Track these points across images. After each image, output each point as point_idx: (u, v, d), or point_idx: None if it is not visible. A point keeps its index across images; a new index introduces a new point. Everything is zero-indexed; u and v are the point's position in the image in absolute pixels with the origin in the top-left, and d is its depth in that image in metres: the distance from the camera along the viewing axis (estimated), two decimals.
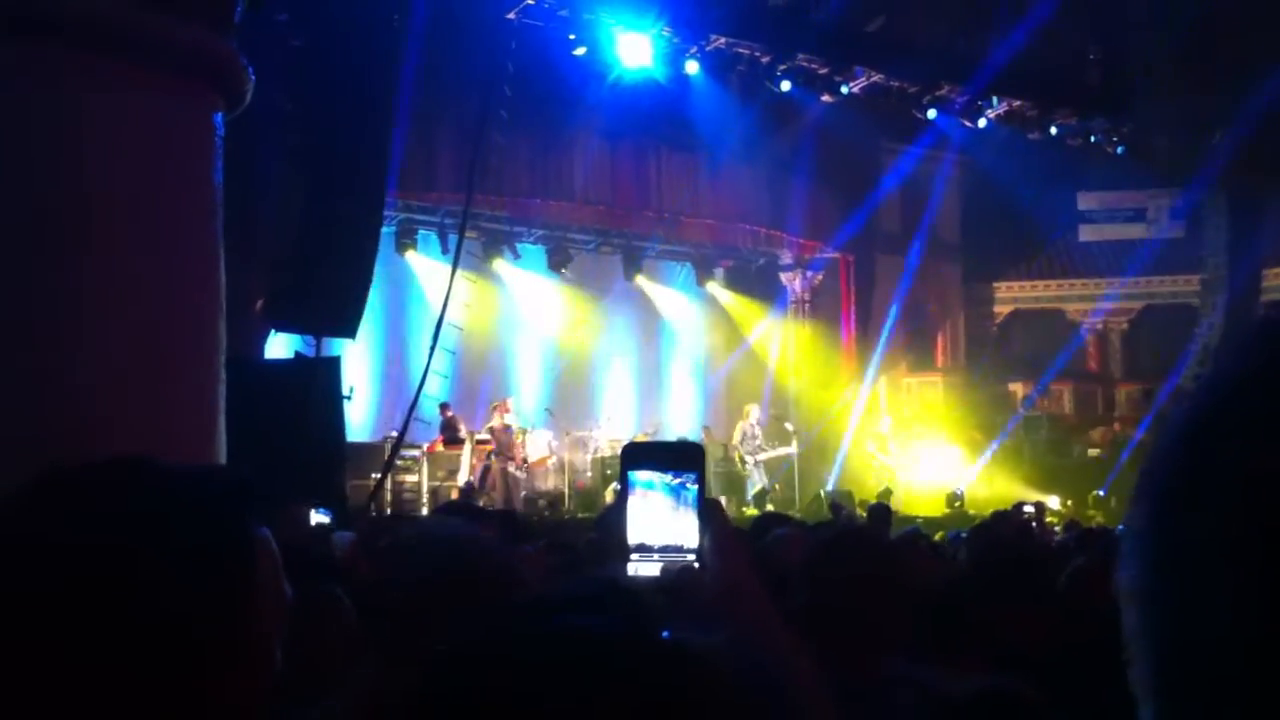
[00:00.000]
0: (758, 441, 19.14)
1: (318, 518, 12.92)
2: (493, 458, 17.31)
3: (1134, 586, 0.68)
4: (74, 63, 4.99)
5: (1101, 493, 19.78)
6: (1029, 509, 11.64)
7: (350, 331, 13.70)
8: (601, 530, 4.57)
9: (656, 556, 1.41)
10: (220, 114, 5.58)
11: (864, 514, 17.09)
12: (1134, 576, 0.69)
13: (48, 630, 1.06)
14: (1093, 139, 21.74)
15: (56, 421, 4.71)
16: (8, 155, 4.89)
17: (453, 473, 17.04)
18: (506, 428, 17.62)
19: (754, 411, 19.51)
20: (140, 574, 1.08)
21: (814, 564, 2.88)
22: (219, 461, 5.30)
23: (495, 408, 17.90)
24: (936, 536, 9.99)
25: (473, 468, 17.36)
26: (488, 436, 17.65)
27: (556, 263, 21.32)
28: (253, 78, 5.70)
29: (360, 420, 17.36)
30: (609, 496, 16.68)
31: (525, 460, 18.01)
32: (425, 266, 19.74)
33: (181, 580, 1.10)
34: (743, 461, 19.00)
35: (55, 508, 1.12)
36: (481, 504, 15.41)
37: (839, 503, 13.91)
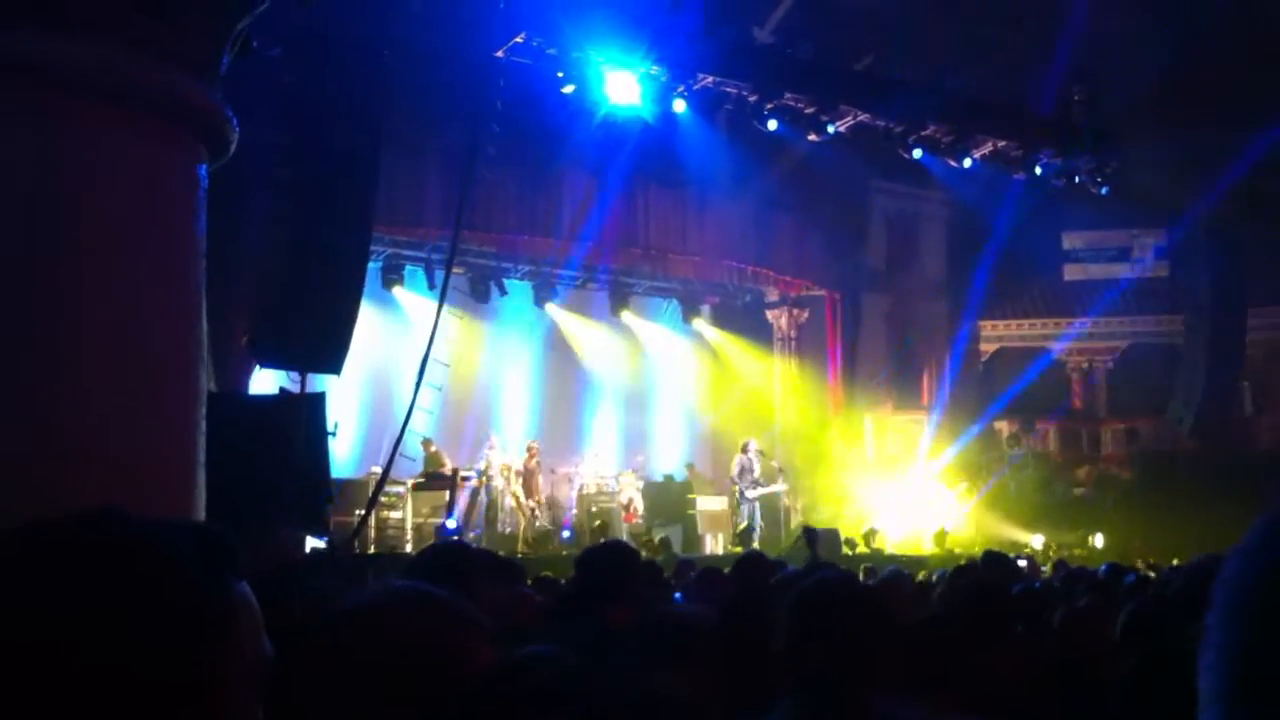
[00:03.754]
0: (755, 475, 18.98)
1: (314, 542, 12.96)
2: (517, 497, 17.73)
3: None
4: (62, 114, 5.00)
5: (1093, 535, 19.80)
6: (1022, 563, 11.63)
7: (335, 367, 13.67)
8: (582, 569, 4.56)
9: None
10: (205, 164, 5.58)
11: (849, 551, 17.11)
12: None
13: (12, 693, 1.03)
14: (1077, 179, 21.85)
15: (37, 459, 4.69)
16: None
17: (437, 508, 17.00)
18: (535, 468, 18.01)
19: (752, 444, 19.34)
20: (110, 638, 1.05)
21: (796, 611, 2.86)
22: (198, 497, 5.28)
23: (530, 448, 18.69)
24: (920, 576, 9.97)
25: (458, 503, 17.35)
26: (473, 474, 17.68)
27: (543, 298, 21.36)
28: (237, 129, 5.71)
29: (345, 456, 17.32)
30: (592, 534, 16.66)
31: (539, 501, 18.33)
32: (412, 302, 19.74)
33: (153, 643, 1.07)
34: (740, 499, 18.82)
35: (25, 569, 1.09)
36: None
37: (813, 531, 13.76)
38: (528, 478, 18.04)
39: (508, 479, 18.00)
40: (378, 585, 1.90)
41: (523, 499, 17.88)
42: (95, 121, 5.11)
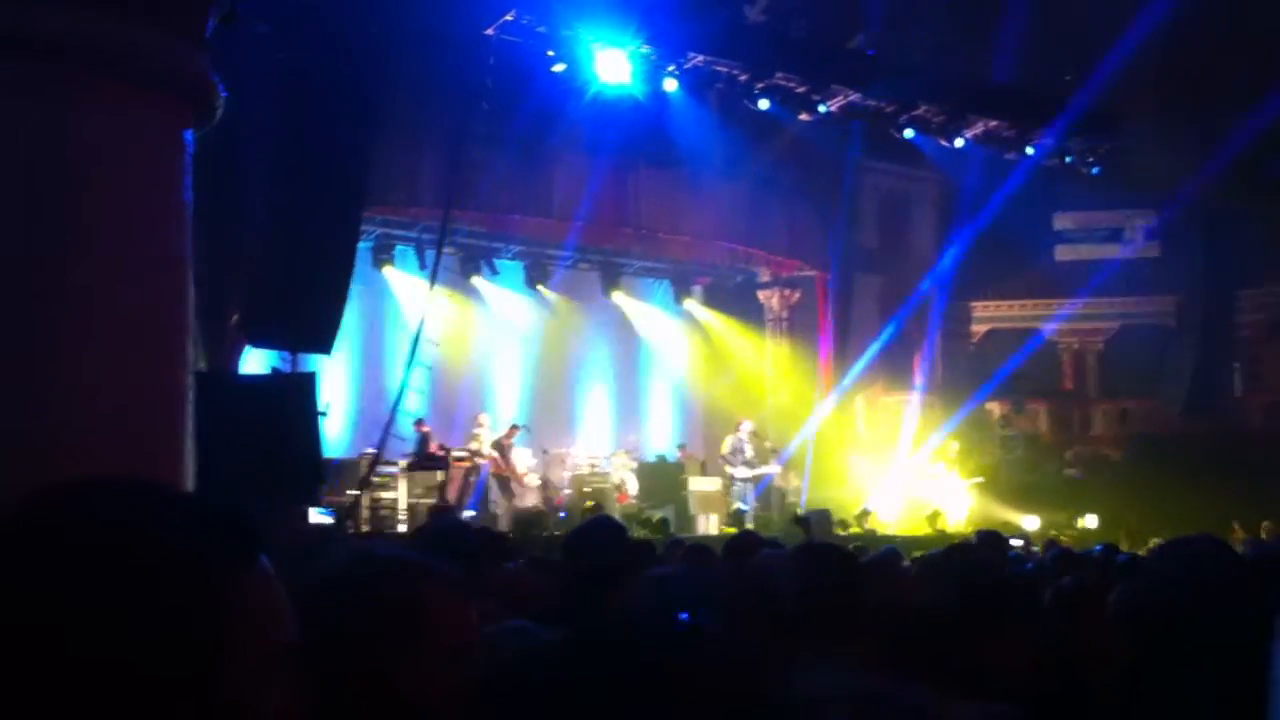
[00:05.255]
0: (747, 456, 18.99)
1: (319, 518, 12.96)
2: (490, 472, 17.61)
3: None
4: (38, 78, 4.95)
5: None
6: (1017, 542, 11.66)
7: (326, 347, 13.64)
8: (568, 552, 4.54)
9: None
10: (191, 130, 5.52)
11: (842, 532, 17.11)
12: None
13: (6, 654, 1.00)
14: (1069, 159, 21.84)
15: (21, 433, 4.66)
16: None
17: (430, 489, 16.99)
18: (511, 444, 17.89)
19: (745, 425, 19.36)
20: (103, 628, 1.02)
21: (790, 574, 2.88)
22: (185, 474, 5.25)
23: (513, 428, 18.27)
24: (915, 554, 9.96)
25: (451, 482, 17.34)
26: (465, 454, 17.66)
27: (534, 279, 21.32)
28: (224, 93, 5.65)
29: (337, 436, 17.29)
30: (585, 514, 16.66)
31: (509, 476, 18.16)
32: (403, 282, 19.69)
33: (147, 633, 1.03)
34: (732, 479, 18.86)
35: (14, 556, 1.05)
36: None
37: (807, 516, 13.85)
38: (502, 454, 17.90)
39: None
40: (339, 550, 1.89)
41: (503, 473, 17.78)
42: (75, 87, 5.06)
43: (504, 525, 16.71)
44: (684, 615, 1.11)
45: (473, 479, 17.71)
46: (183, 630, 1.05)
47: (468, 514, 16.89)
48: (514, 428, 18.56)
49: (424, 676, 1.71)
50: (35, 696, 1.00)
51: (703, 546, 6.69)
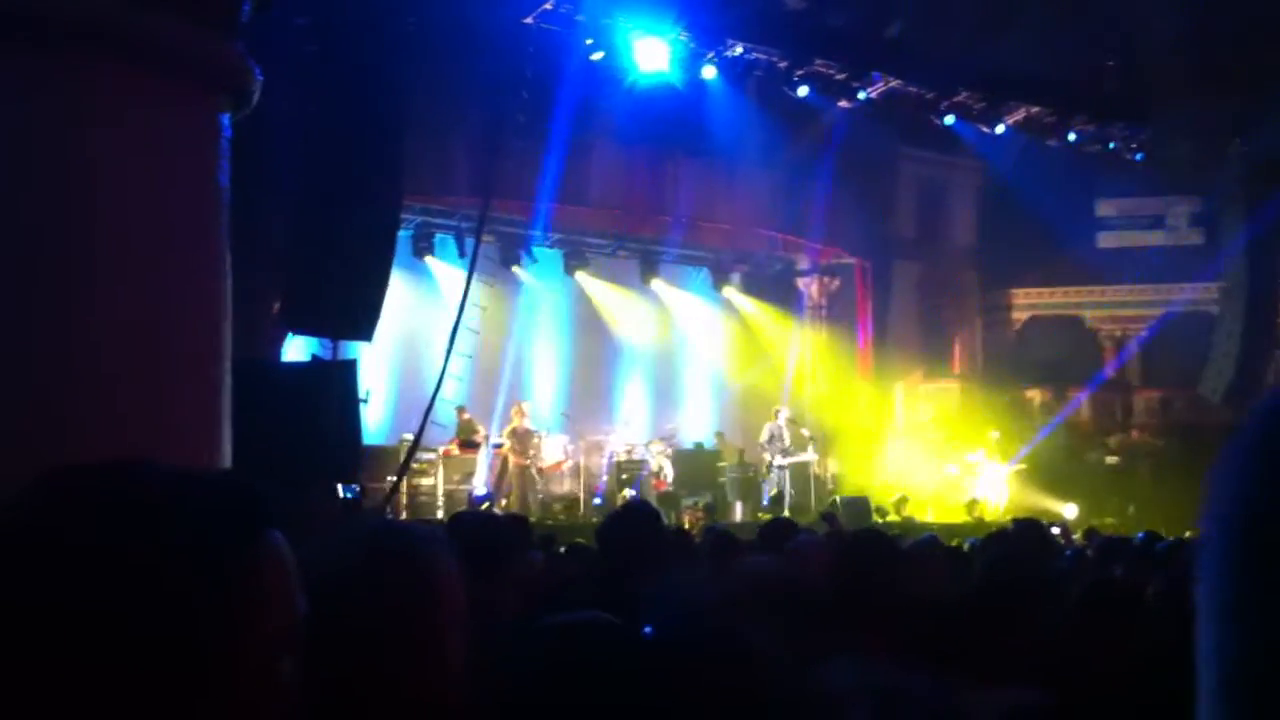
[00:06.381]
0: (785, 444, 18.96)
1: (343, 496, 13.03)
2: (510, 460, 17.40)
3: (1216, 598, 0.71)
4: (76, 65, 4.99)
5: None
6: (1055, 530, 11.58)
7: (367, 334, 13.69)
8: (602, 539, 4.57)
9: None
10: (227, 115, 5.56)
11: (879, 520, 17.07)
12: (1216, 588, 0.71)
13: (14, 646, 0.99)
14: (1111, 146, 21.64)
15: (57, 419, 4.71)
16: (11, 159, 4.89)
17: (469, 476, 17.07)
18: (526, 430, 17.70)
19: (783, 412, 19.35)
20: (104, 633, 1.00)
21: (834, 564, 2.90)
22: (223, 460, 5.28)
23: (515, 410, 18.01)
24: (953, 542, 9.93)
25: (491, 470, 17.40)
26: (503, 440, 17.67)
27: (573, 267, 21.35)
28: (260, 78, 5.68)
29: (376, 423, 17.39)
30: (621, 501, 16.68)
31: (539, 466, 17.98)
32: (442, 270, 19.77)
33: (170, 594, 1.02)
34: (769, 467, 18.85)
35: (45, 514, 1.04)
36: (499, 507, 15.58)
37: (830, 513, 13.81)
38: (521, 440, 17.87)
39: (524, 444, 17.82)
40: (342, 539, 1.86)
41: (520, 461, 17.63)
42: (112, 77, 5.10)
43: (535, 513, 16.71)
44: (648, 630, 1.11)
45: (510, 467, 17.74)
46: (186, 618, 1.03)
47: (501, 502, 16.96)
48: (518, 408, 18.19)
49: (426, 670, 1.71)
50: (34, 698, 0.99)
51: (730, 535, 6.69)
